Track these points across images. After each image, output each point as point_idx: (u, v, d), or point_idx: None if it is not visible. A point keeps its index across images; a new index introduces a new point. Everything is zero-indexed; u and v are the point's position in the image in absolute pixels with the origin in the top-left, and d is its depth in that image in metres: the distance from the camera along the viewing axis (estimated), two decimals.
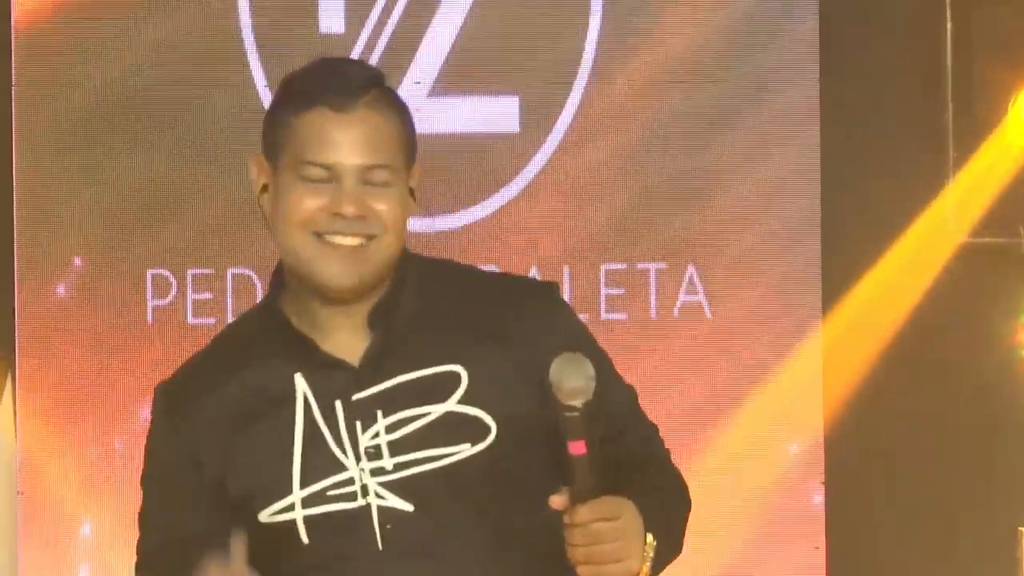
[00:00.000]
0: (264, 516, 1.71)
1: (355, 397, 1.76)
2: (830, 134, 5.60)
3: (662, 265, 5.59)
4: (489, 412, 1.77)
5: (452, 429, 1.75)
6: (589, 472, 1.65)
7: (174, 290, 5.58)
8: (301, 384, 1.76)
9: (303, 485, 1.70)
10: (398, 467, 1.72)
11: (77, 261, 5.44)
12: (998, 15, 5.75)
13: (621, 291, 5.62)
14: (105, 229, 5.55)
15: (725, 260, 5.57)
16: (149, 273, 5.58)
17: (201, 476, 1.75)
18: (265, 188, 1.88)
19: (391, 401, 1.76)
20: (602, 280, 5.61)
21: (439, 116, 5.66)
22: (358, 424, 1.73)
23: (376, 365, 1.80)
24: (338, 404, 1.75)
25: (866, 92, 5.69)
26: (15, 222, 5.36)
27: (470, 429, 1.76)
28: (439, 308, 1.87)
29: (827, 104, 5.59)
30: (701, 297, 5.56)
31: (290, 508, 1.69)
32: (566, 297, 5.36)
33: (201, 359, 1.89)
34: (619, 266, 5.62)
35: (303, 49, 5.67)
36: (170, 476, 1.78)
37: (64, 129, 5.48)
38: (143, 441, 1.94)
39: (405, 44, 5.68)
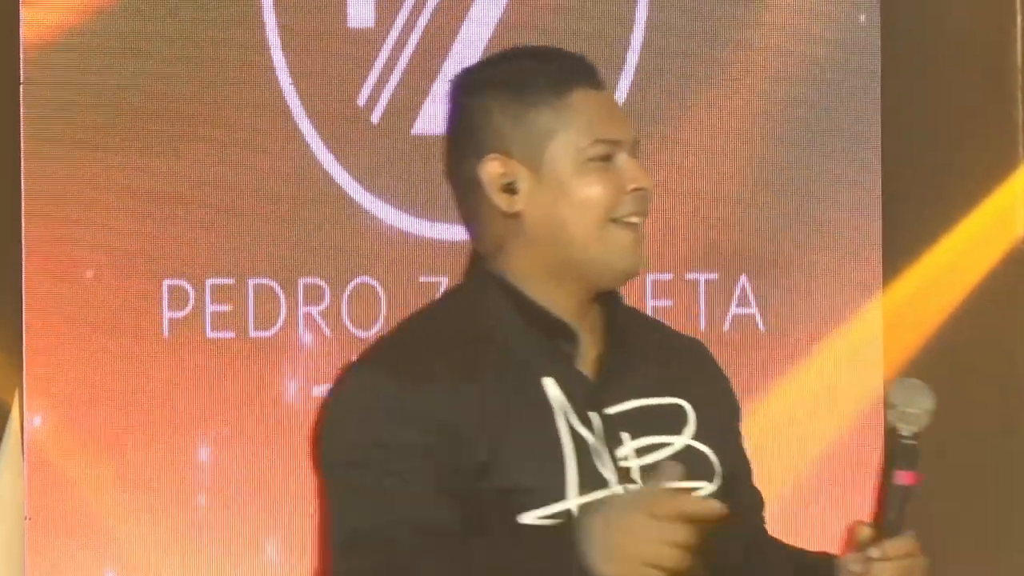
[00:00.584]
0: (529, 517, 1.64)
1: (607, 412, 1.71)
2: (892, 136, 5.29)
3: (712, 276, 5.26)
4: (715, 452, 1.76)
5: (691, 464, 1.70)
6: (907, 504, 1.65)
7: (191, 302, 5.22)
8: (553, 388, 1.70)
9: (582, 492, 1.66)
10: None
11: (88, 273, 5.09)
12: None
13: (669, 303, 5.29)
14: (118, 239, 5.19)
15: (779, 271, 5.25)
16: (165, 284, 5.22)
17: (456, 456, 1.66)
18: (507, 188, 1.77)
19: (635, 424, 1.73)
20: (648, 291, 5.29)
21: None
22: (611, 442, 1.70)
23: (617, 381, 1.75)
24: (594, 417, 1.70)
25: (930, 92, 5.42)
26: (23, 233, 5.00)
27: (703, 467, 1.74)
28: (651, 333, 1.87)
29: (889, 104, 5.28)
30: (754, 310, 5.23)
31: (566, 514, 1.64)
32: None
33: (428, 341, 1.78)
34: (666, 276, 5.30)
35: (331, 44, 5.41)
36: (411, 451, 1.65)
37: (74, 136, 5.12)
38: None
39: (439, 40, 5.37)
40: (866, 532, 1.65)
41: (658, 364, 1.80)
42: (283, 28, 5.33)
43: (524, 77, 1.78)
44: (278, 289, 5.33)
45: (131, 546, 5.06)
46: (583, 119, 1.76)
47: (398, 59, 5.35)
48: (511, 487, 1.65)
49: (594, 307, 1.79)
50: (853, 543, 1.68)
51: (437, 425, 1.65)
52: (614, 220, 1.74)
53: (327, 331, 5.36)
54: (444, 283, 5.32)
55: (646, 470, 1.69)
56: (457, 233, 5.27)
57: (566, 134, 1.75)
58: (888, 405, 1.67)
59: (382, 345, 1.87)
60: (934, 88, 5.47)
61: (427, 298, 5.23)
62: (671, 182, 5.34)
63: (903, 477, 1.64)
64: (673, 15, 5.36)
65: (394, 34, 5.35)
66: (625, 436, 1.71)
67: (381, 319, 5.34)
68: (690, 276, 5.31)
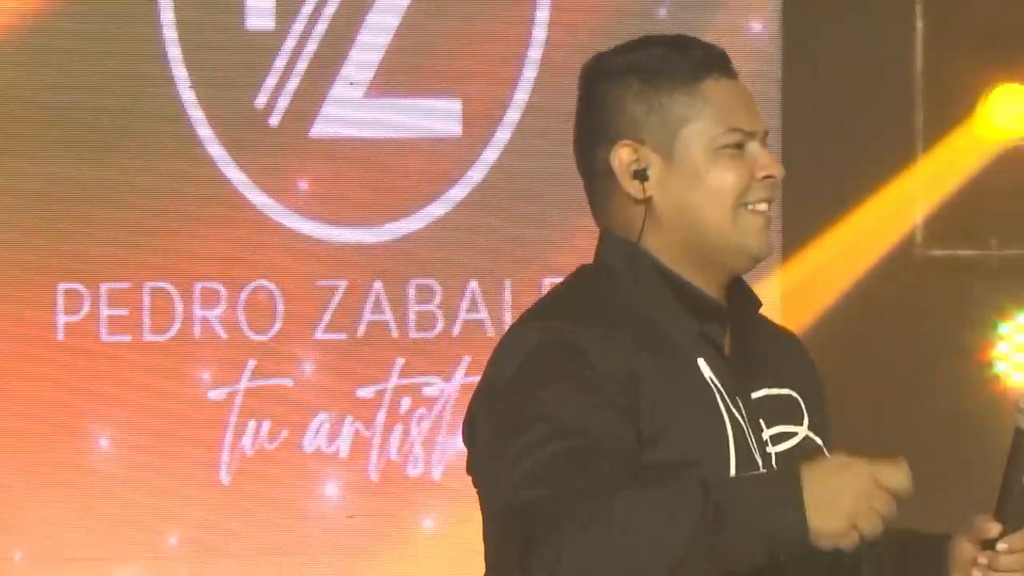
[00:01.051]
0: None
1: (750, 397, 1.74)
2: (794, 138, 5.32)
3: None
4: (825, 444, 1.80)
5: (812, 455, 1.73)
6: None
7: (87, 305, 5.18)
8: (706, 369, 1.72)
9: (737, 471, 1.68)
10: None
11: None
12: (968, 16, 5.61)
13: None
14: (12, 242, 5.16)
15: None
16: (60, 288, 5.18)
17: (634, 407, 1.65)
18: (638, 174, 1.77)
19: (768, 411, 1.77)
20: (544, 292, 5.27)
21: (376, 119, 5.36)
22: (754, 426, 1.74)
23: (751, 368, 1.78)
24: (739, 400, 1.72)
25: (832, 98, 5.47)
26: None
27: (820, 457, 1.73)
28: (761, 323, 1.89)
29: (791, 107, 5.32)
30: None
31: None
32: (508, 309, 5.40)
33: (596, 307, 1.77)
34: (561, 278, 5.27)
35: (229, 47, 5.40)
36: (612, 383, 1.65)
37: None
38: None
39: (338, 43, 5.36)
40: (995, 527, 1.70)
41: (774, 354, 1.85)
42: (181, 31, 5.31)
43: (658, 65, 1.80)
44: (174, 292, 5.30)
45: (37, 530, 5.04)
46: (716, 107, 1.78)
47: (296, 63, 5.34)
48: (680, 459, 1.66)
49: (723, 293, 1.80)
50: (978, 537, 1.74)
51: (626, 373, 1.66)
52: (744, 206, 1.76)
53: (223, 334, 5.33)
54: (342, 286, 5.34)
55: (781, 457, 1.74)
56: (353, 236, 5.42)
57: (699, 122, 1.77)
58: (1019, 411, 1.73)
59: (551, 304, 1.90)
60: (835, 94, 5.54)
61: (324, 301, 5.41)
62: (573, 184, 5.32)
63: None
64: (574, 15, 5.42)
65: (293, 38, 5.34)
66: (762, 422, 1.75)
67: (278, 322, 5.32)
68: None
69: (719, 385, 1.72)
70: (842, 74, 5.49)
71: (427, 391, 5.35)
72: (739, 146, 1.76)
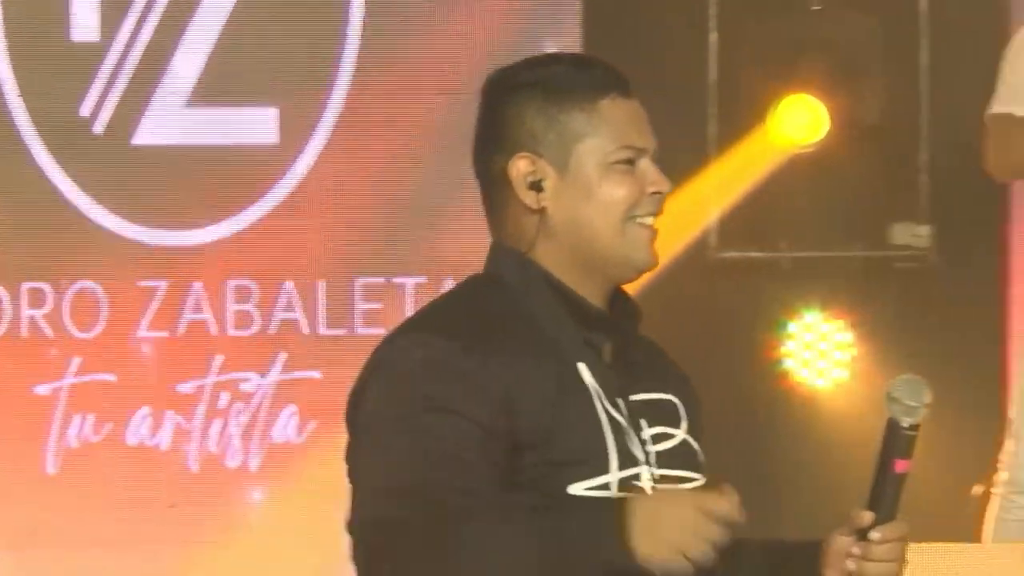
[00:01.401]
0: (577, 488, 1.74)
1: (630, 399, 1.82)
2: None
3: (421, 279, 5.53)
4: (701, 449, 1.91)
5: (689, 457, 1.87)
6: (901, 491, 1.79)
7: None
8: (587, 373, 1.80)
9: (620, 468, 1.76)
10: (662, 479, 1.82)
11: None
12: (760, 30, 5.90)
13: (379, 305, 5.56)
14: None
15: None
16: None
17: (513, 427, 1.72)
18: (534, 185, 1.84)
19: (648, 413, 1.84)
20: (358, 294, 5.55)
21: (196, 127, 5.61)
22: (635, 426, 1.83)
23: (631, 373, 1.86)
24: (620, 402, 1.81)
25: None
26: None
27: (696, 461, 1.88)
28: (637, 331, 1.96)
29: None
30: None
31: (606, 487, 1.75)
32: (321, 308, 5.66)
33: (479, 316, 1.82)
34: (377, 280, 5.56)
35: (55, 57, 5.62)
36: (472, 416, 1.70)
37: None
38: None
39: (159, 55, 5.60)
40: (868, 517, 1.76)
41: (652, 362, 1.94)
42: (10, 42, 5.53)
43: (561, 82, 1.86)
44: (3, 293, 5.52)
45: None
46: (612, 126, 1.85)
47: (119, 73, 5.57)
48: (563, 460, 1.74)
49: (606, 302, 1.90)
50: (853, 528, 1.78)
51: (500, 394, 1.72)
52: (633, 219, 1.83)
53: (49, 333, 5.56)
54: (163, 286, 5.59)
55: (662, 456, 1.82)
56: (174, 239, 5.65)
57: (595, 139, 1.84)
58: (890, 400, 1.77)
59: (433, 315, 1.91)
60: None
61: (146, 301, 5.66)
62: (384, 190, 5.62)
63: (902, 466, 1.77)
64: (386, 27, 5.68)
65: (116, 50, 5.57)
66: (643, 423, 1.83)
67: (102, 321, 5.56)
68: (398, 280, 5.55)
69: (599, 388, 1.79)
70: (639, 83, 5.73)
71: (244, 387, 5.62)
72: (630, 162, 1.84)
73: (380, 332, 5.34)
